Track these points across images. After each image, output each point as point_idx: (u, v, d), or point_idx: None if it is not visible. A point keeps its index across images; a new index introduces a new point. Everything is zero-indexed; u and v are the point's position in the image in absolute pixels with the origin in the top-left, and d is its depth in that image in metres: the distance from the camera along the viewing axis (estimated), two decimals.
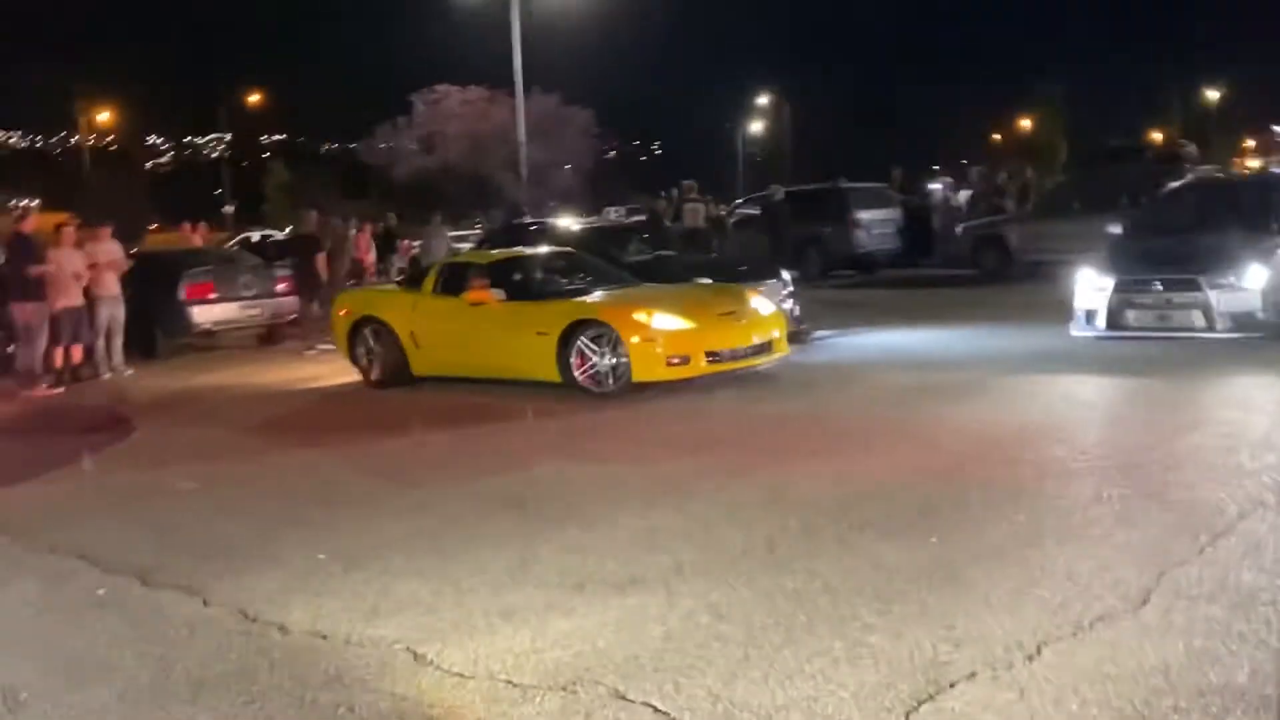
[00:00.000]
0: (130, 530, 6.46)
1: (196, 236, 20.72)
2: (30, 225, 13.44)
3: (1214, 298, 10.48)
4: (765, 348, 10.46)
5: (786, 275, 13.48)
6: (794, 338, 11.73)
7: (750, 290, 11.32)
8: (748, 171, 61.26)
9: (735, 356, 10.20)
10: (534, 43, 32.28)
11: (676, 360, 9.81)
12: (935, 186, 29.89)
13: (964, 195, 26.98)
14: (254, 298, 16.16)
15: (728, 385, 10.08)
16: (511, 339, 10.61)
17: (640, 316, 10.01)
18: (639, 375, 9.80)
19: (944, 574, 4.75)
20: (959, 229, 22.29)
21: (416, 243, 25.70)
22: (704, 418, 9.11)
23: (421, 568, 5.31)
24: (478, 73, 42.90)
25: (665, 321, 9.97)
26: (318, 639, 4.47)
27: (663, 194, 27.93)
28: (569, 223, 21.87)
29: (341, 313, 12.38)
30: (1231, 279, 10.55)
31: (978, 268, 20.47)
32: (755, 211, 23.80)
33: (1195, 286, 10.59)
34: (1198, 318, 10.58)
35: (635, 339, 9.83)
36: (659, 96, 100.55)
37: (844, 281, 21.47)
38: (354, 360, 12.00)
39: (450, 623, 4.55)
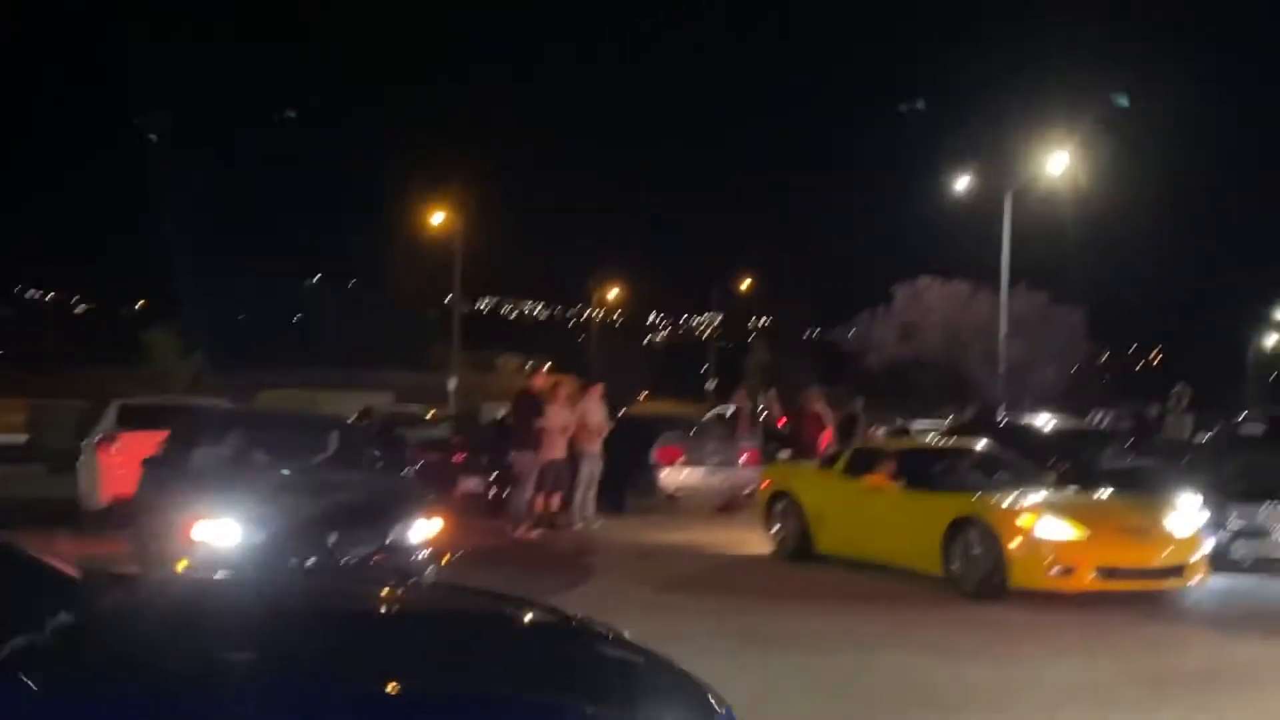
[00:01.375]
0: None
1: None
2: (537, 383, 14.95)
3: None
4: (1176, 571, 9.54)
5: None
6: None
7: (1171, 505, 10.35)
8: (1256, 385, 55.53)
9: (1134, 575, 9.47)
10: (1026, 237, 31.68)
11: (1059, 570, 9.25)
12: None
13: None
14: (719, 465, 16.74)
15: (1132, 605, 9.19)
16: (902, 527, 10.56)
17: (1024, 519, 9.59)
18: (1016, 581, 9.39)
19: None
20: None
21: (881, 429, 25.58)
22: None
23: None
24: (963, 266, 42.75)
25: (1051, 527, 9.48)
26: None
27: (1156, 403, 25.90)
28: (1043, 421, 20.83)
29: (764, 484, 12.91)
30: None
31: None
32: (1259, 431, 21.34)
33: None
34: None
35: (1016, 541, 9.42)
36: (1163, 300, 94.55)
37: None
38: (768, 529, 12.31)
39: None
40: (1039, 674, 7.13)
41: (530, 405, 14.08)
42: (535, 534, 13.75)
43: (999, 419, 21.39)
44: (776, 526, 12.20)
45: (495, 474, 15.52)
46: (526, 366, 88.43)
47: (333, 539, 7.79)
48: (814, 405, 17.51)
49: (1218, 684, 7.02)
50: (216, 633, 3.14)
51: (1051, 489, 10.86)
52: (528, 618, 3.78)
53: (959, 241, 40.74)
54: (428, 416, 22.50)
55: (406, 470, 12.69)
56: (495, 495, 15.49)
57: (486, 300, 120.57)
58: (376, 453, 10.89)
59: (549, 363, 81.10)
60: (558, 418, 14.25)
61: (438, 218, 39.93)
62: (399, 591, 4.20)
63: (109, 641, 2.91)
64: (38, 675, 2.59)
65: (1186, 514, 10.34)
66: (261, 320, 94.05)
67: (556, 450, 14.21)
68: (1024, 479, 11.05)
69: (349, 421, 14.31)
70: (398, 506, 8.54)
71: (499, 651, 3.27)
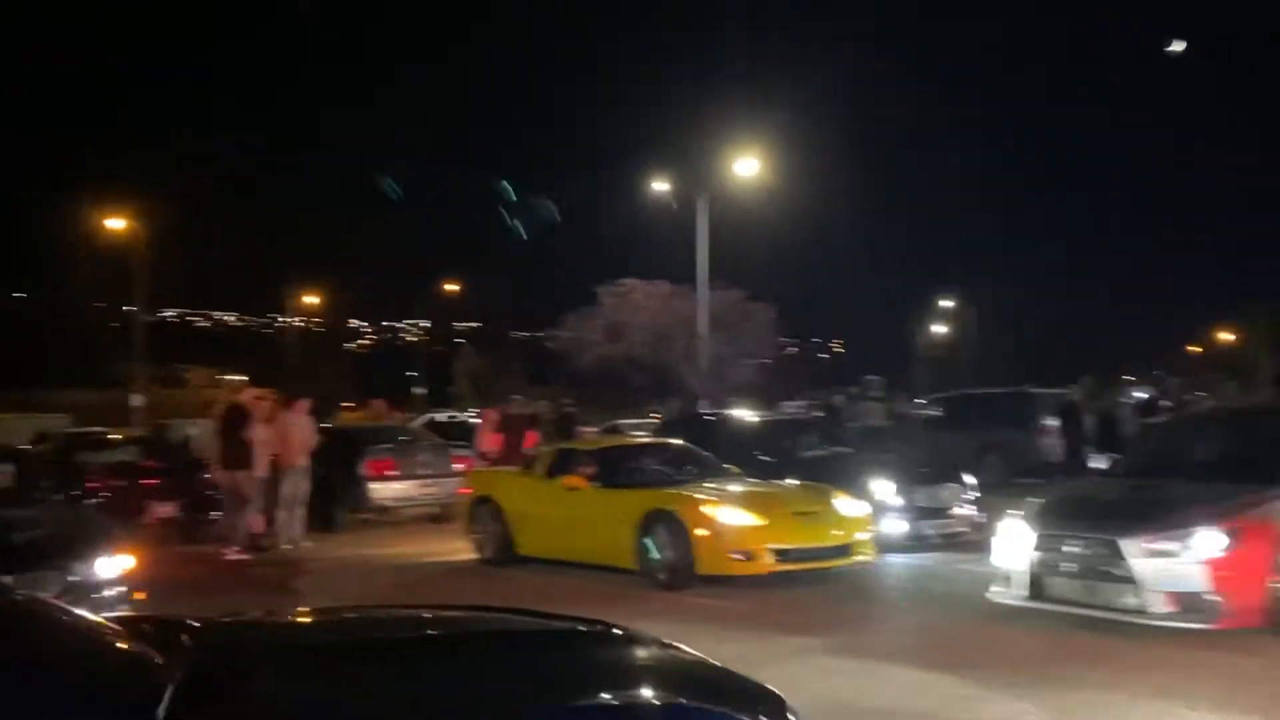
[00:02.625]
0: None
1: (386, 413, 21.45)
2: (244, 397, 14.23)
3: (1140, 568, 7.45)
4: (844, 550, 10.38)
5: (968, 479, 13.00)
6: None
7: (838, 492, 11.12)
8: (929, 372, 60.40)
9: (808, 556, 10.17)
10: (721, 240, 33.02)
11: (740, 555, 9.87)
12: (1140, 395, 28.58)
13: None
14: (432, 476, 16.45)
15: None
16: (598, 524, 10.93)
17: (707, 510, 10.17)
18: (703, 568, 9.97)
19: None
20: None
21: (594, 429, 25.98)
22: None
23: None
24: (663, 268, 44.07)
25: (731, 516, 10.10)
26: None
27: (840, 391, 27.58)
28: (744, 414, 21.74)
29: (466, 491, 13.09)
30: (1172, 545, 7.44)
31: None
32: (938, 412, 23.19)
33: (1115, 551, 7.58)
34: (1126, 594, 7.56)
35: (701, 531, 9.98)
36: (842, 295, 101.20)
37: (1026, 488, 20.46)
38: (470, 535, 12.52)
39: None
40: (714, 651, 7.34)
41: (240, 420, 13.41)
42: (245, 557, 13.07)
43: (702, 413, 22.19)
44: (478, 533, 12.39)
45: (191, 497, 14.64)
46: (222, 380, 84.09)
47: (8, 582, 7.05)
48: (511, 411, 17.93)
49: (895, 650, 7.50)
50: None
51: (733, 481, 11.46)
52: (582, 630, 3.68)
53: (658, 243, 42.00)
54: (111, 438, 20.86)
55: (87, 502, 11.73)
56: (191, 520, 14.62)
57: (173, 311, 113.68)
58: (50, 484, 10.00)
59: (245, 375, 77.49)
60: (265, 433, 13.62)
61: (116, 223, 37.22)
62: (458, 614, 3.97)
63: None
64: None
65: (854, 499, 11.08)
66: None
67: (260, 469, 13.60)
68: (710, 473, 11.67)
69: (25, 450, 13.09)
70: (80, 542, 7.88)
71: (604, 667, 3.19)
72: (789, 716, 3.04)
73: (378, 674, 2.87)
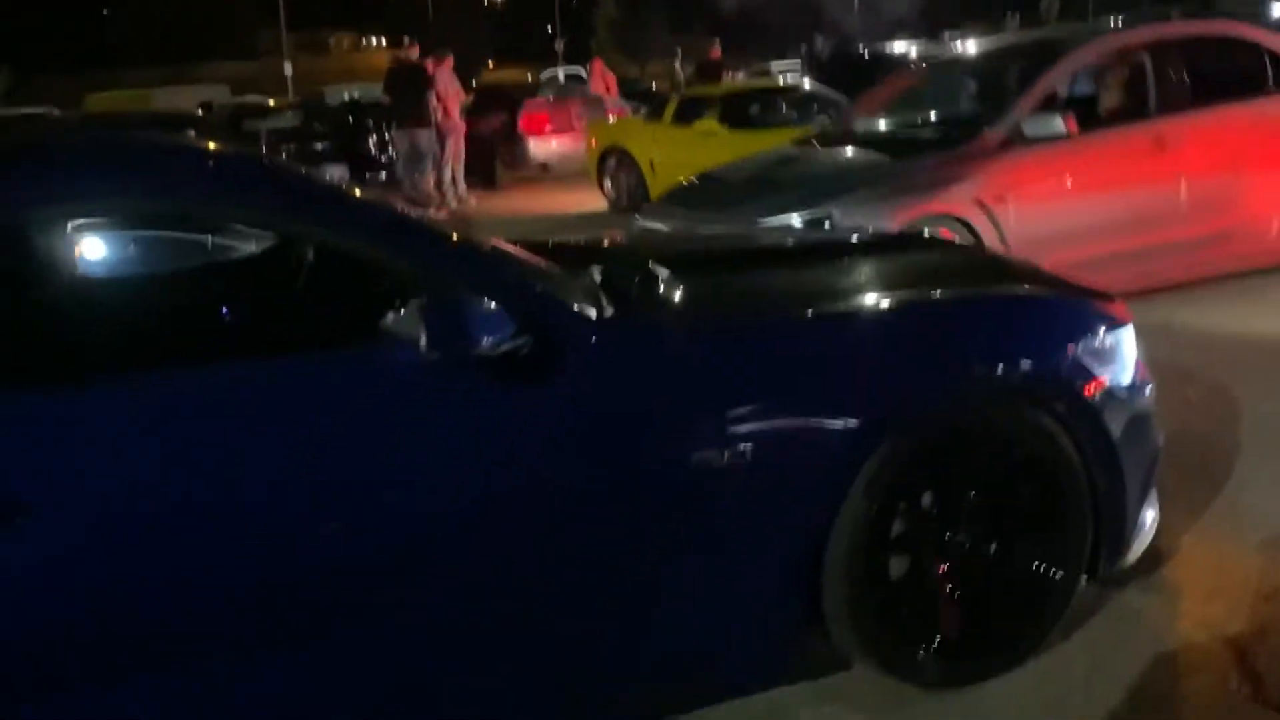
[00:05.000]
0: None
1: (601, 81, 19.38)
2: (415, 54, 13.99)
3: None
4: None
5: None
6: None
7: None
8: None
9: None
10: None
11: None
12: None
13: None
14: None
15: None
16: None
17: None
18: None
19: None
20: None
21: (740, 73, 25.17)
22: None
23: None
24: None
25: None
26: None
27: (1006, 16, 25.81)
28: (904, 49, 20.64)
29: (591, 143, 13.20)
30: None
31: None
32: None
33: None
34: None
35: None
36: None
37: None
38: (601, 187, 12.84)
39: None
40: None
41: (414, 76, 13.33)
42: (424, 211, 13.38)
43: (859, 51, 21.09)
44: (608, 182, 12.76)
45: (356, 159, 14.94)
46: (362, 43, 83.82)
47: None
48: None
49: None
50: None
51: None
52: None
53: None
54: (271, 105, 21.21)
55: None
56: (359, 180, 14.94)
57: None
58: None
59: (383, 36, 76.85)
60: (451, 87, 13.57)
61: None
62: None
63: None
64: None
65: None
66: (66, 18, 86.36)
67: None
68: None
69: (197, 118, 13.42)
70: None
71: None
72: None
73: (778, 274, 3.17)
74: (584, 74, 32.00)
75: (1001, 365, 2.69)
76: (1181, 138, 6.36)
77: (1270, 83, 6.80)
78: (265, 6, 51.11)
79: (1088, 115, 6.53)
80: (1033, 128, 6.12)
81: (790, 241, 3.75)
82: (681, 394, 2.42)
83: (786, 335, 2.62)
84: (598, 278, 2.71)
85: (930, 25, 32.57)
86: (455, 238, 2.49)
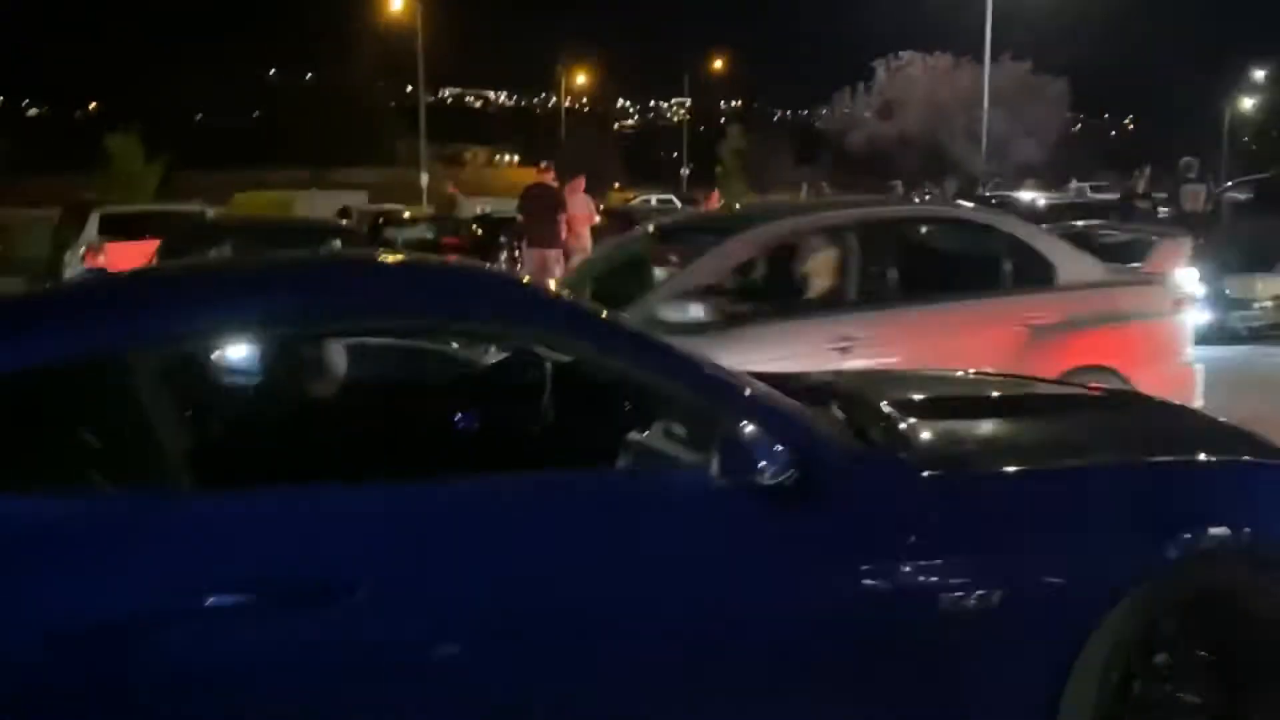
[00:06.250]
0: None
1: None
2: (550, 176, 14.32)
3: None
4: None
5: None
6: None
7: None
8: (1232, 155, 55.31)
9: None
10: (1007, 8, 30.72)
11: None
12: None
13: None
14: None
15: None
16: None
17: None
18: None
19: None
20: None
21: None
22: None
23: None
24: (945, 39, 41.62)
25: None
26: None
27: (1136, 172, 25.60)
28: (1032, 197, 20.66)
29: None
30: None
31: None
32: (1244, 197, 21.18)
33: None
34: None
35: None
36: (1139, 68, 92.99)
37: None
38: None
39: None
40: None
41: (548, 198, 13.70)
42: None
43: (986, 194, 21.18)
44: None
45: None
46: (495, 159, 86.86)
47: None
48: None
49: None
50: None
51: None
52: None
53: (939, 13, 39.56)
54: (406, 215, 22.06)
55: None
56: None
57: (448, 91, 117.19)
58: None
59: (518, 155, 79.52)
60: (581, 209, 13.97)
61: (395, 2, 38.27)
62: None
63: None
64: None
65: None
66: (219, 119, 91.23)
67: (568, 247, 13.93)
68: None
69: (343, 226, 13.98)
70: None
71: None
72: None
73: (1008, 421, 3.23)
74: (675, 200, 32.61)
75: (1238, 527, 2.73)
76: (875, 338, 5.29)
77: (1006, 278, 5.75)
78: (405, 117, 53.45)
79: (782, 304, 5.65)
80: (669, 313, 5.10)
81: (1010, 390, 3.83)
82: (932, 532, 2.52)
83: (1037, 485, 2.70)
84: (839, 414, 2.88)
85: (1061, 174, 32.51)
86: (736, 373, 2.72)
